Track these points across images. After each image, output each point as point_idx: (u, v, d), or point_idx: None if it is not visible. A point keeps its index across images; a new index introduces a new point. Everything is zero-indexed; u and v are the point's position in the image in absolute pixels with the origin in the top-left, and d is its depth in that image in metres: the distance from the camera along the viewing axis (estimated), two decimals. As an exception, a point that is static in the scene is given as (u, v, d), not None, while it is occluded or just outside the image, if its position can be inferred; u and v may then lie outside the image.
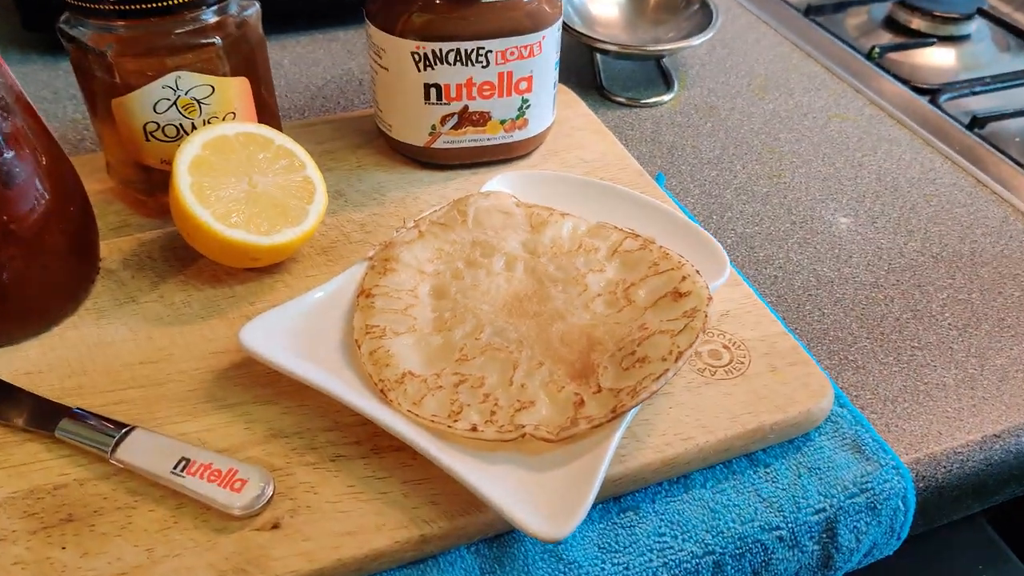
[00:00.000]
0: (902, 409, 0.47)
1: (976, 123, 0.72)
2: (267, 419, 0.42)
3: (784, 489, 0.42)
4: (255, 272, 0.50)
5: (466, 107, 0.56)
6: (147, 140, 0.49)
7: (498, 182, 0.52)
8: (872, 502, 0.42)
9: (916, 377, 0.49)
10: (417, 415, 0.39)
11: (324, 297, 0.45)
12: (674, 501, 0.41)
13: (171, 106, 0.48)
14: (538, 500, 0.36)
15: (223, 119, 0.50)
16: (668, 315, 0.42)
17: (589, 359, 0.41)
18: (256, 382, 0.43)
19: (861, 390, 0.48)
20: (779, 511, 0.41)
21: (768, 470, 0.43)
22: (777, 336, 0.47)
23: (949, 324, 0.52)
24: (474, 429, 0.38)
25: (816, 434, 0.44)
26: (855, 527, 0.42)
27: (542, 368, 0.40)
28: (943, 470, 0.45)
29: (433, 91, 0.55)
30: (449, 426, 0.38)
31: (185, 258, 0.51)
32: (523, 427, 0.37)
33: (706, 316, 0.41)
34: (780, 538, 0.41)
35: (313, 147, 0.59)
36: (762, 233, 0.59)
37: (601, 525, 0.40)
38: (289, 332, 0.42)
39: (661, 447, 0.41)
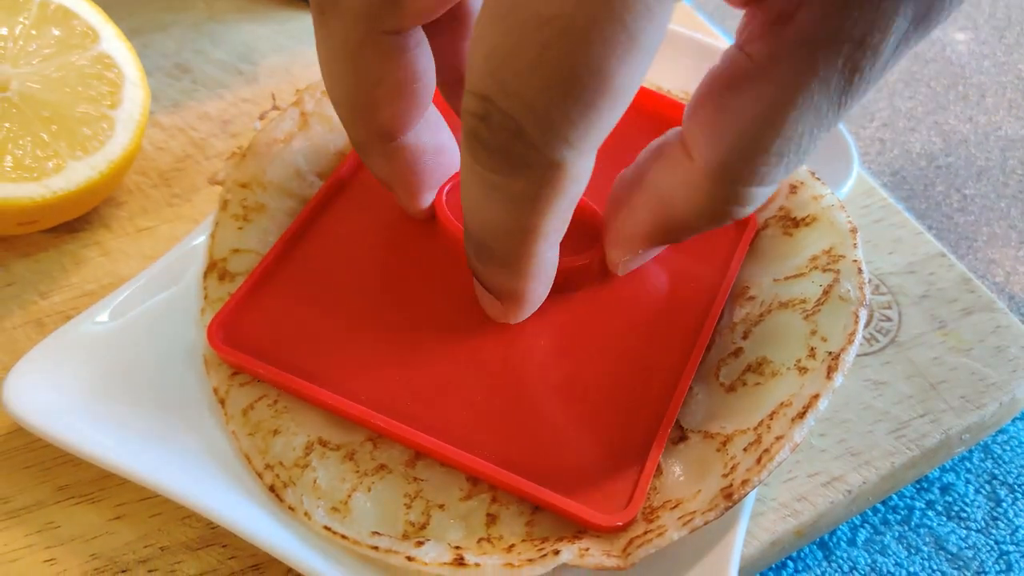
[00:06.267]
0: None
1: None
2: (85, 532, 0.23)
3: (980, 531, 0.25)
4: (45, 237, 0.29)
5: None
6: None
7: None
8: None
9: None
10: (342, 535, 0.20)
11: (151, 290, 0.25)
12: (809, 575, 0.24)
13: None
14: None
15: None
16: (779, 267, 0.23)
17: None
18: (61, 459, 0.24)
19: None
20: (979, 573, 0.25)
21: (950, 497, 0.26)
22: (934, 261, 0.28)
23: None
24: (460, 561, 0.19)
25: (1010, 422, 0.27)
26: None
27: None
28: None
29: None
30: (410, 556, 0.20)
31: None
32: (557, 551, 0.19)
33: (859, 268, 0.22)
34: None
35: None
36: (847, 69, 0.39)
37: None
38: (92, 368, 0.23)
39: (789, 504, 0.23)
